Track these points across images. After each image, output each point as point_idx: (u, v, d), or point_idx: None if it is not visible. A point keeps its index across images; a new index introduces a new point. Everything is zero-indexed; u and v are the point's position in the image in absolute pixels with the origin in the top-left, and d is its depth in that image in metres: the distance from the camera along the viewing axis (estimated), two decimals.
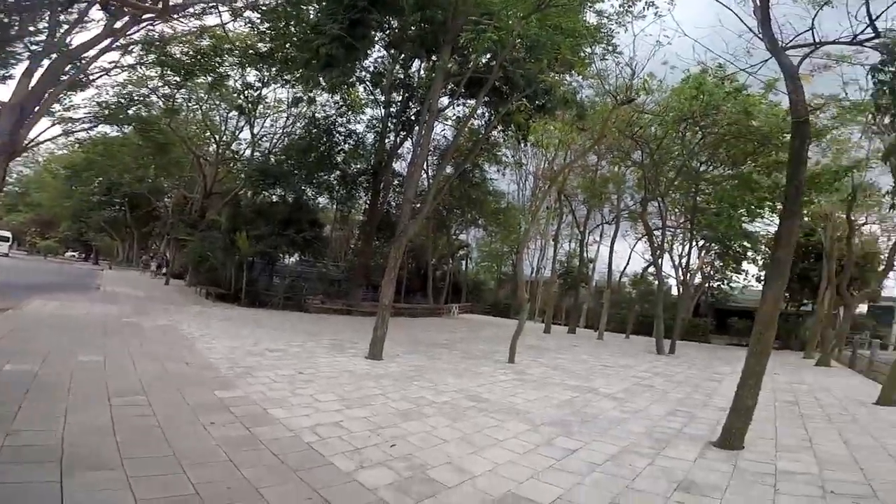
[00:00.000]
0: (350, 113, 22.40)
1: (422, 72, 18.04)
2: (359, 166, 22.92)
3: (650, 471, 3.90)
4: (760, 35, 5.52)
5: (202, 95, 23.75)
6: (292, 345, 9.24)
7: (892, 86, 5.52)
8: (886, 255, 17.46)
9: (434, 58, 12.62)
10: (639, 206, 19.97)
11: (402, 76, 19.26)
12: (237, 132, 27.74)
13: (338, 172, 22.47)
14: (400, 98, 20.28)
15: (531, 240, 25.06)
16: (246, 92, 21.48)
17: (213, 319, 12.29)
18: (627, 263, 27.87)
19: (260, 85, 20.68)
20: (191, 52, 17.80)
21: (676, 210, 20.89)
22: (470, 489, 3.34)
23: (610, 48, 10.57)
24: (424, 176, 23.56)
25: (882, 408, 7.45)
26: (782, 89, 11.43)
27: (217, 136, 27.54)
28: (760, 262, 24.36)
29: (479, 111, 14.84)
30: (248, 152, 26.13)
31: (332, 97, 20.96)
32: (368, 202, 23.33)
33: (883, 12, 5.21)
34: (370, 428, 4.50)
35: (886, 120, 6.24)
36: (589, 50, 10.55)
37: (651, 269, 24.53)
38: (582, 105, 13.31)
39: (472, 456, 4.01)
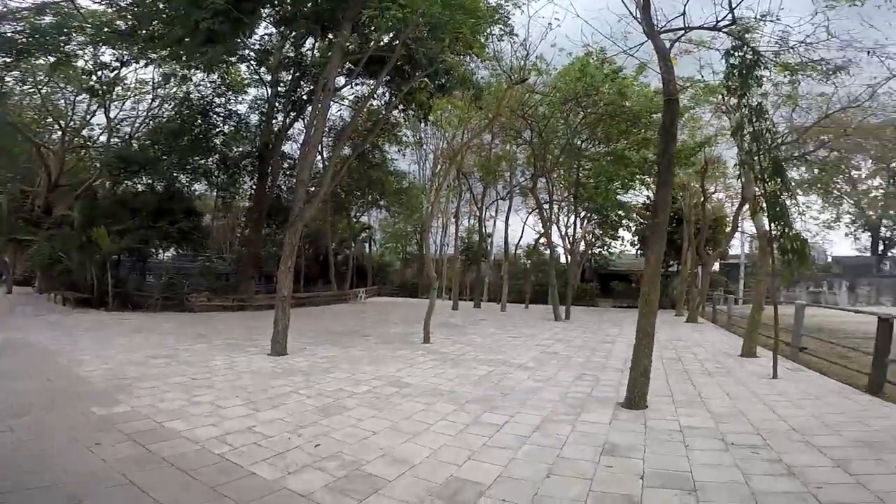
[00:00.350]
0: (230, 93, 20.42)
1: (316, 51, 16.76)
2: (241, 149, 21.09)
3: (574, 437, 4.04)
4: (640, 19, 5.83)
5: (42, 78, 19.71)
6: (180, 349, 8.17)
7: (741, 69, 6.24)
8: (731, 218, 20.54)
9: (331, 35, 11.72)
10: (529, 182, 21.05)
11: (292, 54, 17.79)
12: (89, 117, 23.50)
13: (217, 156, 20.52)
14: (290, 77, 18.78)
15: (434, 218, 25.16)
16: (100, 73, 18.14)
17: (77, 328, 10.44)
18: (521, 236, 29.44)
19: (118, 65, 17.54)
20: (28, 30, 14.50)
21: (561, 185, 22.36)
22: (411, 479, 3.17)
23: (507, 29, 10.68)
24: (319, 158, 22.39)
25: (745, 359, 8.51)
26: (652, 72, 12.66)
27: (63, 122, 23.07)
28: (633, 229, 27.35)
29: (378, 91, 14.23)
30: (103, 138, 22.35)
31: (208, 76, 18.81)
32: (255, 187, 21.57)
33: (742, 1, 5.81)
34: (288, 429, 4.10)
35: (734, 101, 6.95)
36: (488, 30, 10.57)
37: (542, 241, 26.25)
38: (479, 85, 13.45)
39: (407, 445, 3.83)
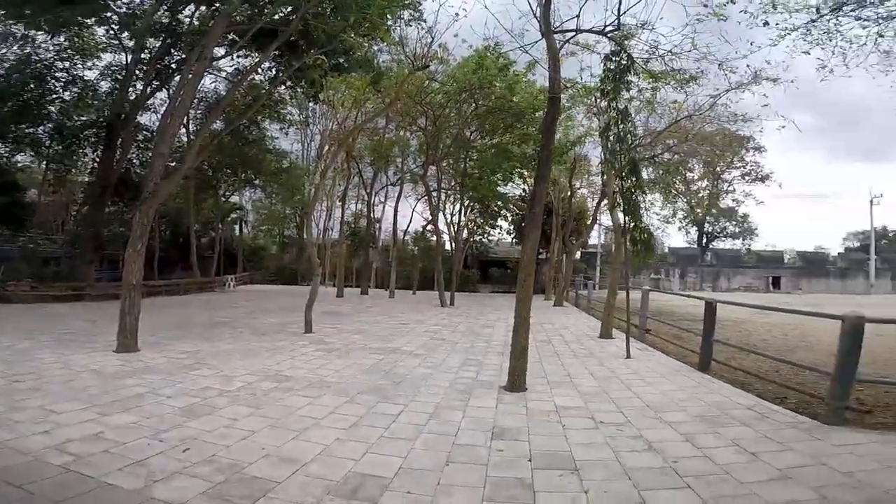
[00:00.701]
0: (78, 57, 17.27)
1: (195, 19, 14.50)
2: (85, 118, 18.27)
3: (466, 423, 4.09)
4: (539, 18, 6.04)
5: None
6: None
7: (616, 73, 6.87)
8: (592, 211, 23.02)
9: (217, 3, 10.22)
10: (420, 170, 21.13)
11: (166, 20, 15.23)
12: None
13: (50, 125, 17.57)
14: (159, 43, 16.15)
15: (318, 201, 23.89)
16: None
17: None
18: (410, 222, 29.58)
19: None
20: None
21: (450, 173, 22.92)
22: (304, 479, 2.91)
23: (416, 14, 10.35)
24: (184, 131, 19.93)
25: (604, 340, 9.38)
26: (539, 72, 13.38)
27: None
28: (510, 219, 29.23)
29: (264, 65, 12.85)
30: None
31: (52, 38, 15.70)
32: (98, 159, 18.46)
33: (630, 7, 6.33)
34: (147, 434, 3.55)
35: (604, 103, 7.56)
36: (397, 13, 10.11)
37: (430, 228, 26.69)
38: (380, 69, 12.96)
39: (294, 442, 3.52)
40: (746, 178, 40.97)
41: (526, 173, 20.09)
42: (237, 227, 35.26)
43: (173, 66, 16.57)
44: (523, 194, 26.00)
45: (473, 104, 16.12)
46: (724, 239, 47.71)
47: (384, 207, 28.59)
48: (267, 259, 36.68)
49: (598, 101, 9.08)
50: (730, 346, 7.17)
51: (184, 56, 14.80)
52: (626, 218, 7.26)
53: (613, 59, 6.70)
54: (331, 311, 13.94)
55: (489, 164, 18.93)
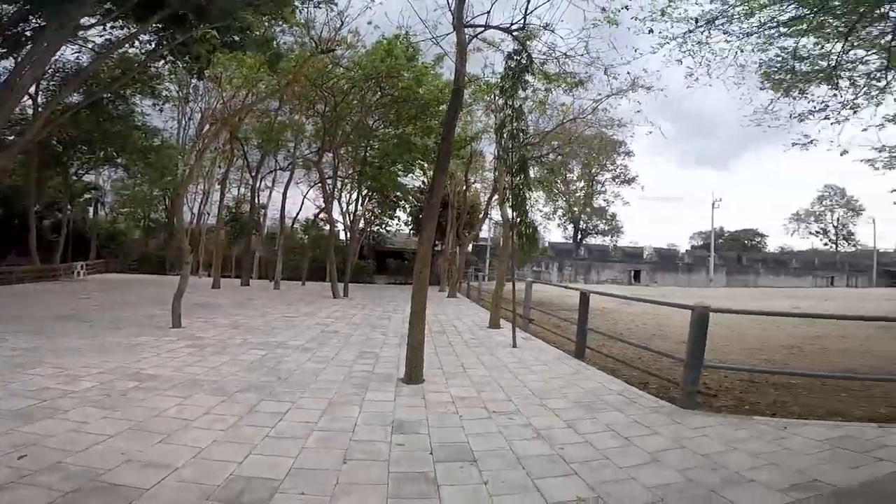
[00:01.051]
0: None
1: None
2: None
3: (364, 418, 3.96)
4: (452, 10, 6.00)
5: None
6: None
7: (515, 72, 7.16)
8: (484, 206, 23.97)
9: None
10: (315, 155, 20.10)
11: None
12: None
13: None
14: (13, 9, 12.92)
15: (193, 182, 21.46)
16: None
17: None
18: (300, 209, 28.06)
19: None
20: None
21: (348, 161, 22.18)
22: (178, 484, 2.58)
23: None
24: (31, 102, 16.89)
25: (492, 330, 9.73)
26: (446, 66, 13.36)
27: None
28: (409, 210, 29.29)
29: (142, 37, 11.00)
30: None
31: None
32: None
33: (536, 8, 6.55)
34: None
35: (501, 101, 7.85)
36: None
37: (322, 216, 25.56)
38: (278, 51, 11.88)
39: (161, 446, 3.11)
40: (616, 180, 46.80)
41: (426, 165, 20.19)
42: (91, 209, 30.34)
43: (28, 33, 13.60)
44: (423, 186, 26.15)
45: (379, 92, 15.66)
46: (595, 235, 53.39)
47: (271, 193, 26.75)
48: (128, 245, 32.09)
49: (497, 98, 9.38)
50: (601, 335, 7.93)
51: (41, 24, 12.23)
52: (514, 213, 7.60)
53: (515, 57, 6.97)
54: (205, 302, 12.68)
55: (391, 154, 18.66)
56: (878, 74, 4.74)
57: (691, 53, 4.86)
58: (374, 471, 2.96)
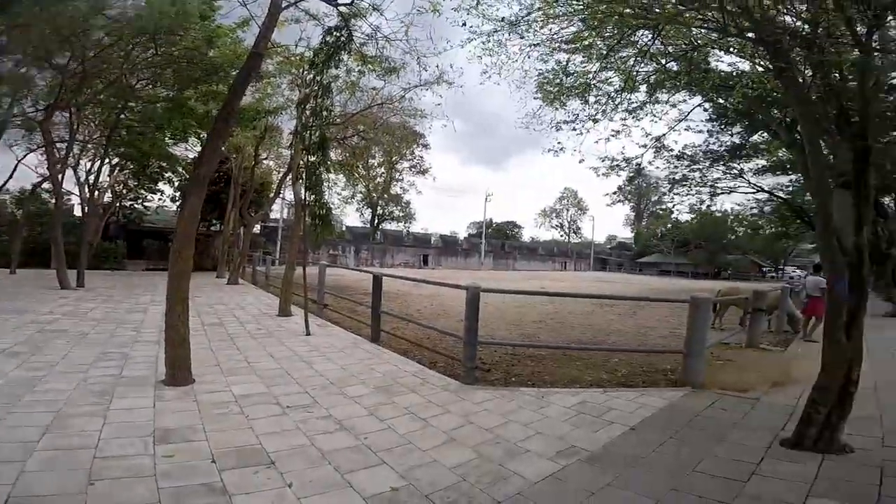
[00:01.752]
0: None
1: None
2: None
3: (111, 431, 3.21)
4: None
5: None
6: None
7: (332, 48, 6.77)
8: (277, 184, 22.13)
9: None
10: (40, 115, 15.01)
11: None
12: None
13: None
14: None
15: None
16: None
17: None
18: (10, 178, 20.63)
19: None
20: None
21: (94, 124, 17.39)
22: None
23: None
24: None
25: (283, 318, 9.06)
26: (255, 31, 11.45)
27: None
28: (177, 184, 24.76)
29: None
30: None
31: None
32: None
33: None
34: None
35: (310, 76, 7.36)
36: None
37: (46, 185, 19.41)
38: None
39: None
40: (413, 169, 49.63)
41: (204, 134, 17.26)
42: None
43: None
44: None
45: (153, 49, 12.44)
46: (391, 221, 55.78)
47: None
48: None
49: (306, 72, 8.70)
50: (394, 317, 8.15)
51: None
52: (308, 193, 7.21)
53: (335, 33, 6.63)
54: None
55: (159, 119, 15.31)
56: (616, 95, 5.96)
57: (490, 53, 5.22)
58: (138, 489, 2.45)
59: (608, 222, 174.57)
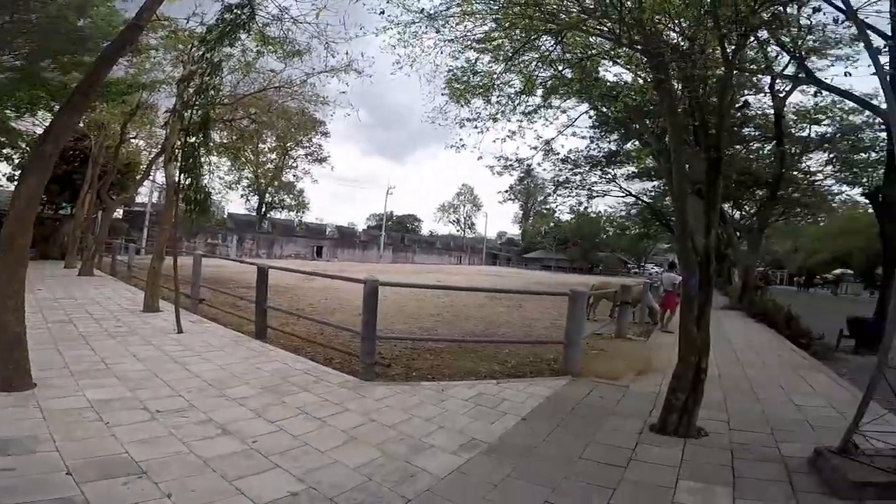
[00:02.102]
0: None
1: None
2: None
3: None
4: None
5: None
6: None
7: (229, 26, 6.13)
8: (145, 165, 19.50)
9: None
10: None
11: None
12: None
13: None
14: None
15: None
16: None
17: None
18: None
19: None
20: None
21: None
22: None
23: None
24: None
25: (149, 314, 7.98)
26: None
27: None
28: (17, 161, 20.59)
29: None
30: None
31: None
32: None
33: None
34: None
35: (199, 52, 6.67)
36: None
37: None
38: None
39: None
40: (309, 157, 47.07)
41: (57, 107, 14.49)
42: None
43: None
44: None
45: (8, 17, 9.99)
46: (281, 210, 52.51)
47: None
48: None
49: (195, 49, 7.80)
50: (282, 312, 7.66)
51: None
52: (183, 175, 6.51)
53: (235, 10, 6.05)
54: None
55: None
56: (516, 97, 6.21)
57: (406, 44, 5.10)
58: None
59: (500, 219, 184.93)
